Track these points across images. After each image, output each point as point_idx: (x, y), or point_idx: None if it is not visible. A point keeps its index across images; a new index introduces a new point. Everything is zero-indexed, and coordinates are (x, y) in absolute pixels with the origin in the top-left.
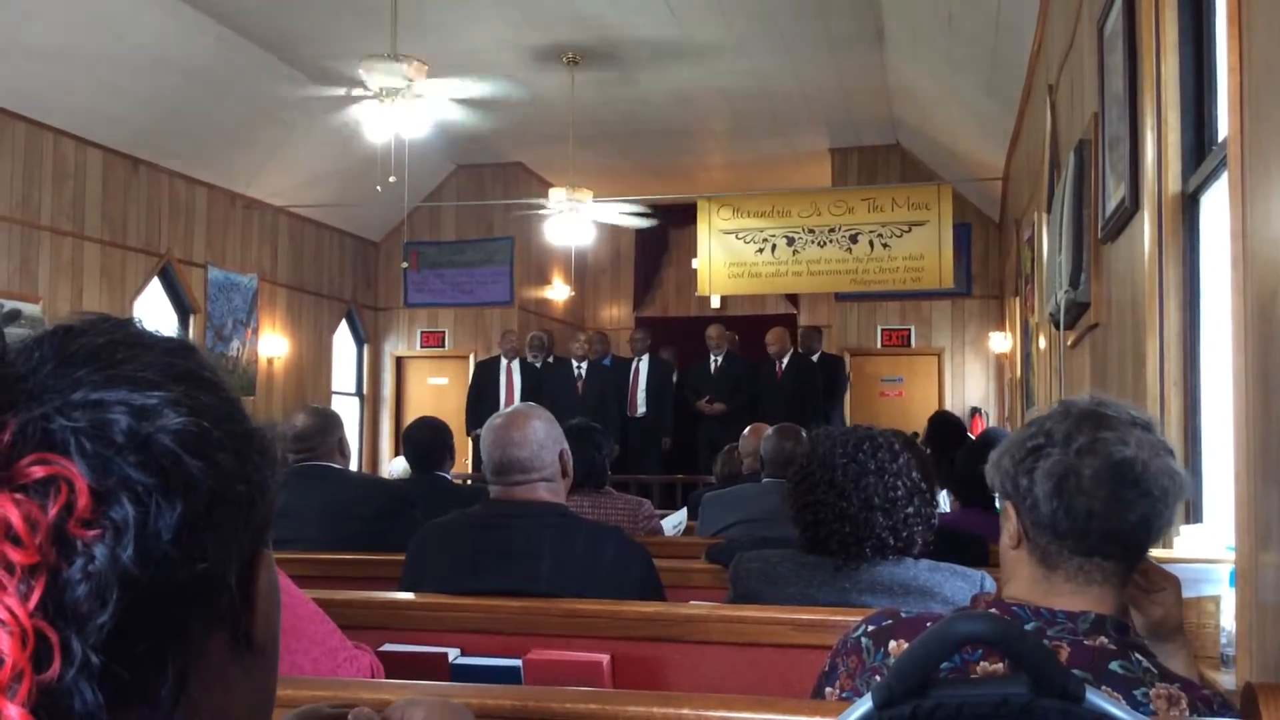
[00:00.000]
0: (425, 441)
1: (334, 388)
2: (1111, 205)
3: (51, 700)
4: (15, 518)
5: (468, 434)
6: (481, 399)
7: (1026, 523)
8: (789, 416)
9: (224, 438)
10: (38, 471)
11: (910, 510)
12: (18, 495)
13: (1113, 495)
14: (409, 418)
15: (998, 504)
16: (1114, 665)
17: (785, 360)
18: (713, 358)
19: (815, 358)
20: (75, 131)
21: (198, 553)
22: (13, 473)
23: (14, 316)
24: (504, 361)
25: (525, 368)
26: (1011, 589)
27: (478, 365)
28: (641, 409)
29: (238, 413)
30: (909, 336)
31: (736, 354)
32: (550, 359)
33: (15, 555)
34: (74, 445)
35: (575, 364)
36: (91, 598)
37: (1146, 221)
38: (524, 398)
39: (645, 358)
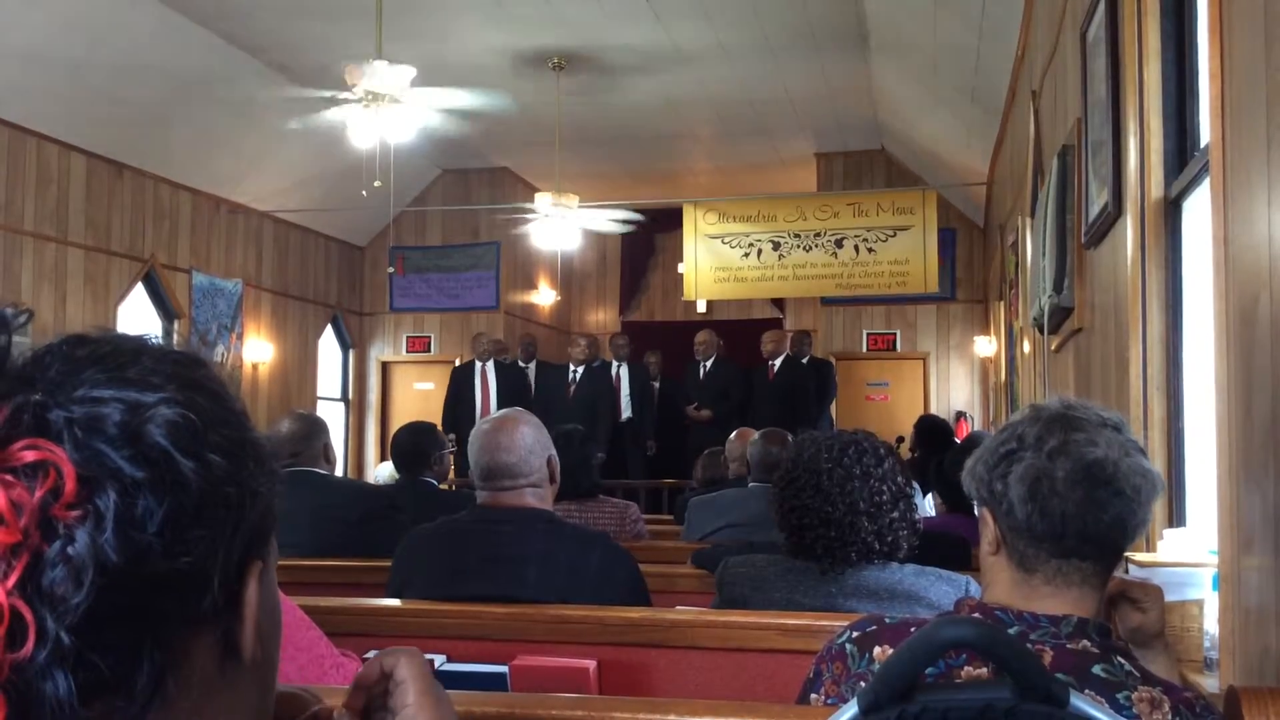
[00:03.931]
0: (412, 446)
1: (319, 393)
2: (1095, 210)
3: (25, 683)
4: (1, 499)
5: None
6: (459, 404)
7: (1003, 527)
8: (781, 419)
9: (219, 440)
10: (28, 456)
11: (895, 515)
12: (7, 477)
13: (1086, 496)
14: (395, 423)
15: (975, 509)
16: (1096, 669)
17: (778, 363)
18: (701, 363)
19: (805, 360)
20: (58, 136)
21: (180, 548)
22: (3, 456)
23: (23, 314)
24: (479, 365)
25: (500, 370)
26: (992, 594)
27: (454, 371)
28: (626, 414)
29: (236, 420)
30: (894, 341)
31: (725, 359)
32: (532, 362)
33: None
34: (66, 434)
35: (572, 368)
36: (69, 579)
37: (1129, 227)
38: (500, 399)
39: (625, 364)
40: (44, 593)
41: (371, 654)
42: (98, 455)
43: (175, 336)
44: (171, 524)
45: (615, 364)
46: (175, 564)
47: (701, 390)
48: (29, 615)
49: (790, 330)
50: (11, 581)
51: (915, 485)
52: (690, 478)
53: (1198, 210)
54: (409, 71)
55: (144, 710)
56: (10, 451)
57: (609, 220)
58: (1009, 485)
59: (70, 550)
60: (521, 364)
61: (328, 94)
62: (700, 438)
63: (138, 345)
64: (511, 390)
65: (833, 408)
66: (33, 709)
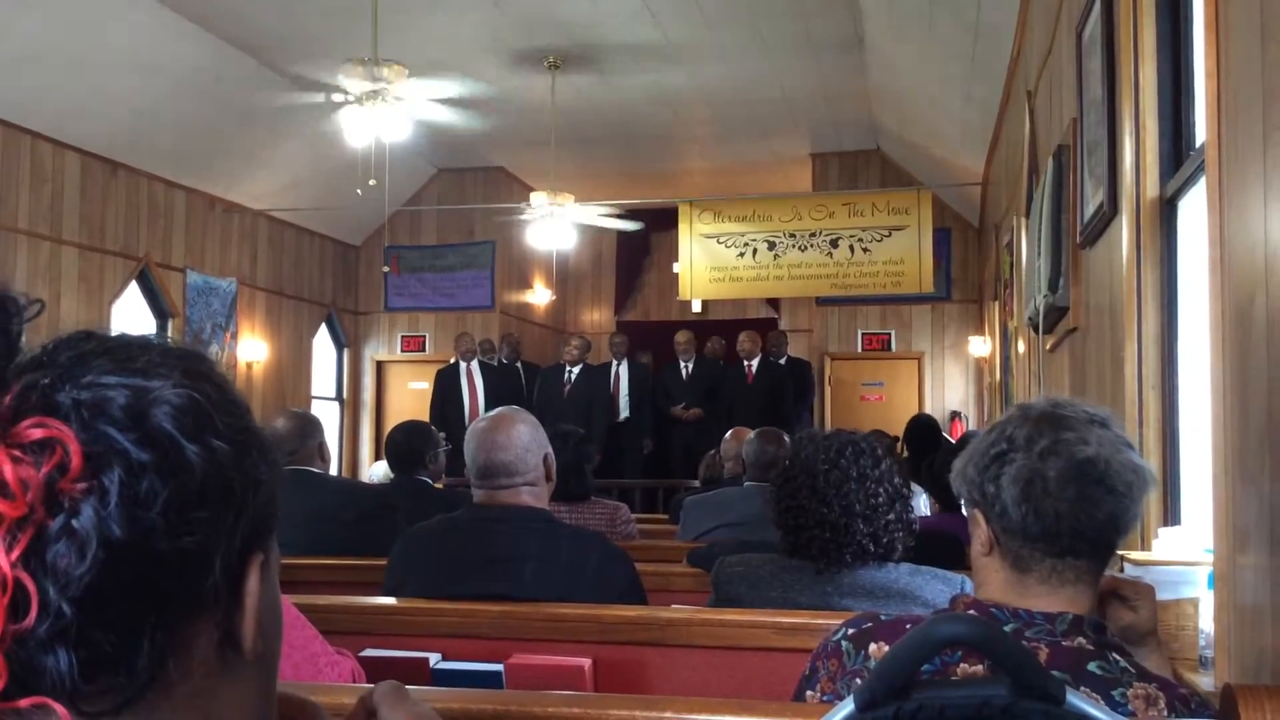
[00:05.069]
0: (407, 445)
1: (314, 392)
2: (1090, 210)
3: (27, 655)
4: (9, 474)
5: None
6: (447, 405)
7: (996, 529)
8: (761, 419)
9: (222, 427)
10: (35, 433)
11: (891, 517)
12: (15, 452)
13: (1079, 495)
14: (389, 422)
15: (964, 511)
16: (1092, 666)
17: (755, 363)
18: (682, 363)
19: (783, 361)
20: (52, 134)
21: (183, 528)
22: (12, 432)
23: (36, 306)
24: (463, 365)
25: (485, 370)
26: (985, 593)
27: (438, 374)
28: (624, 413)
29: (240, 411)
30: (889, 341)
31: (707, 358)
32: (518, 361)
33: (4, 508)
34: (73, 415)
35: (567, 368)
36: (72, 551)
37: (1125, 226)
38: (487, 399)
39: (624, 362)
40: (48, 565)
41: (367, 652)
42: (104, 436)
43: (170, 334)
44: (175, 506)
45: (614, 363)
46: (178, 544)
47: (686, 390)
48: (32, 586)
49: (771, 331)
50: (16, 554)
51: (915, 486)
52: (675, 476)
53: (1193, 209)
54: (405, 71)
55: (143, 690)
56: (18, 429)
57: (609, 215)
58: (1001, 487)
59: (75, 523)
60: (504, 362)
61: (323, 93)
62: (685, 437)
63: (144, 340)
64: (499, 390)
65: (818, 407)
66: (34, 682)
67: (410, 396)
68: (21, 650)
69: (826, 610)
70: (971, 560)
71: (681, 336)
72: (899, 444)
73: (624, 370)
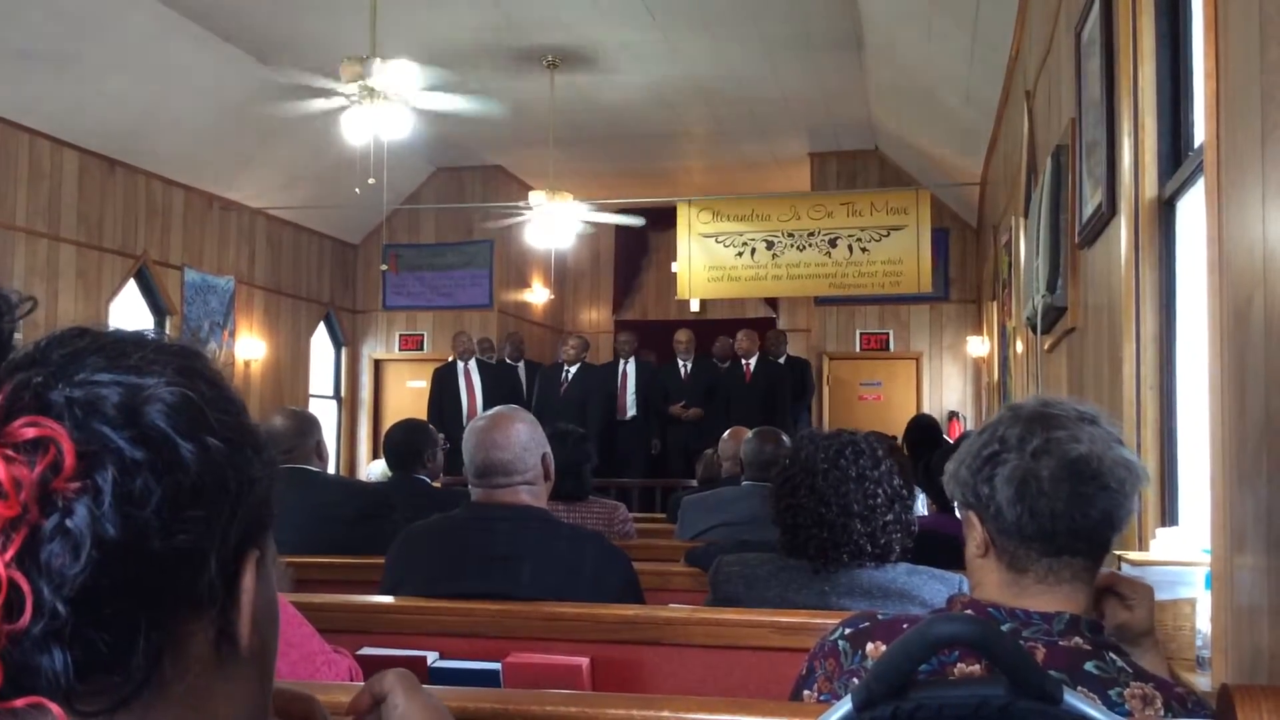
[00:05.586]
0: (406, 443)
1: (312, 390)
2: (1089, 210)
3: (22, 655)
4: (2, 473)
5: None
6: (444, 404)
7: (991, 529)
8: (760, 418)
9: (217, 425)
10: (28, 432)
11: (889, 518)
12: (8, 452)
13: (1073, 493)
14: (387, 421)
15: (958, 513)
16: (1089, 665)
17: (753, 362)
18: (681, 363)
19: (781, 360)
20: (51, 132)
21: (178, 526)
22: (5, 432)
23: (29, 304)
24: (460, 364)
25: (483, 368)
26: (982, 594)
27: (435, 373)
28: (631, 412)
29: (235, 407)
30: (887, 340)
31: (706, 358)
32: (521, 360)
33: None
34: (67, 413)
35: (565, 367)
36: (66, 551)
37: (1123, 226)
38: (486, 398)
39: (632, 361)
40: (42, 565)
41: (365, 651)
42: (97, 434)
43: (166, 330)
44: (169, 504)
45: (621, 361)
46: (172, 542)
47: (685, 389)
48: (26, 587)
49: (770, 330)
50: (10, 554)
51: (916, 488)
52: (674, 475)
53: (1192, 210)
54: (403, 68)
55: (139, 689)
56: (11, 428)
57: (599, 210)
58: (995, 488)
59: (69, 523)
60: (510, 362)
61: (322, 90)
62: (683, 437)
63: (138, 337)
64: (497, 388)
65: (815, 406)
66: (28, 682)
67: (408, 395)
68: (16, 650)
69: (824, 610)
70: (967, 561)
71: (682, 335)
72: (900, 444)
73: (631, 369)
